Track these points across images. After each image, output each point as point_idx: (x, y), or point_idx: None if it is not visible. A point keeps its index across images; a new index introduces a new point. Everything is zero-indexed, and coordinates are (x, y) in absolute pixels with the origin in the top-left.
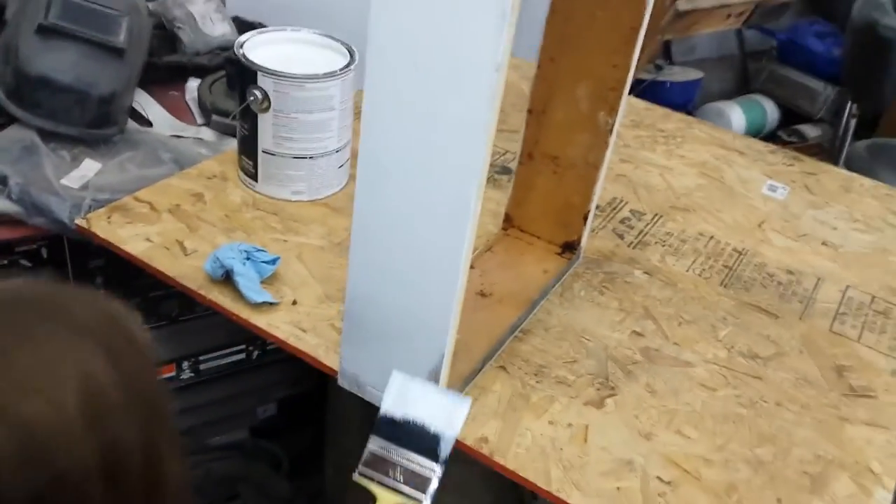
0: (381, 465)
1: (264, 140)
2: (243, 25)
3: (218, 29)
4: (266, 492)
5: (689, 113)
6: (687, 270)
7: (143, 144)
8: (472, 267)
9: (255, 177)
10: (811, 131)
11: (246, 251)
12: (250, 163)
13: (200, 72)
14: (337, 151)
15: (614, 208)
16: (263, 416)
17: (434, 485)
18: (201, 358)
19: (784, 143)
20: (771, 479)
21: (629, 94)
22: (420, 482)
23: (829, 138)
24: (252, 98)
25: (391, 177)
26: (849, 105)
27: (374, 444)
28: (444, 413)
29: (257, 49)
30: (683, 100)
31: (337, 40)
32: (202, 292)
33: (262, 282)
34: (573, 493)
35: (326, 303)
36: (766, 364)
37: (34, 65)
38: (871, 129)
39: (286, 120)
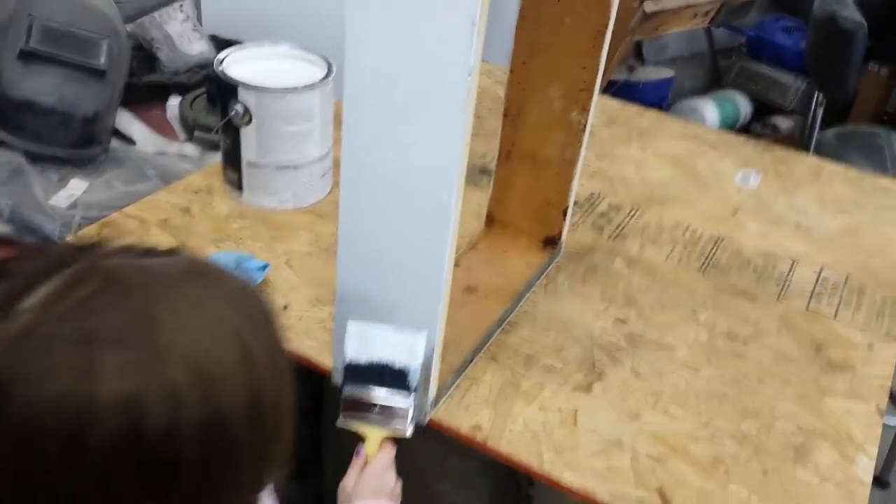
0: (361, 407)
1: (248, 152)
2: (220, 43)
3: (196, 47)
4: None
5: (664, 111)
6: (666, 259)
7: (128, 162)
8: (457, 265)
9: (240, 188)
10: (784, 123)
11: (236, 260)
12: (235, 175)
13: (180, 89)
14: (320, 160)
15: (593, 203)
16: None
17: (412, 413)
18: None
19: (758, 136)
20: (756, 452)
21: (603, 94)
22: (400, 412)
23: (801, 128)
24: (234, 112)
25: (374, 182)
26: (815, 95)
27: (349, 391)
28: (404, 348)
29: (237, 65)
30: (657, 98)
31: (314, 53)
32: None
33: None
34: (565, 472)
35: (317, 306)
36: (746, 344)
37: (18, 89)
38: (840, 117)
39: (269, 132)
